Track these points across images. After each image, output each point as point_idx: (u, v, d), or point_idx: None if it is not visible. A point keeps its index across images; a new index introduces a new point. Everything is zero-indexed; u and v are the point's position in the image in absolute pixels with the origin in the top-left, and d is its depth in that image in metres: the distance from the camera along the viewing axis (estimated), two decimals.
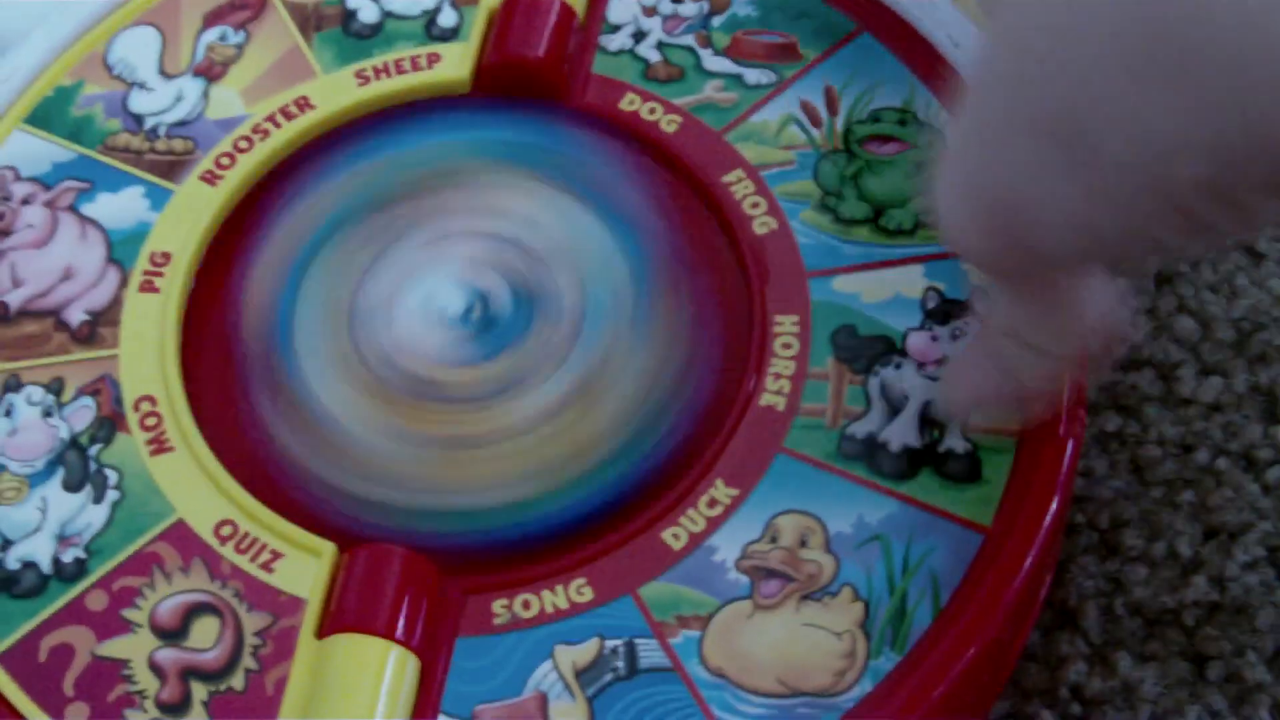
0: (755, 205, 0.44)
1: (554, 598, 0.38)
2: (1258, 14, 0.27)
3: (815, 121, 0.45)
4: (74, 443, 0.41)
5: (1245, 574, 0.44)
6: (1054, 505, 0.38)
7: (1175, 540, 0.45)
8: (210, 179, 0.45)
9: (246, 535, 0.39)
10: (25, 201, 0.45)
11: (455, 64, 0.47)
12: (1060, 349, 0.38)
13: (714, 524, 0.39)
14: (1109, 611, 0.44)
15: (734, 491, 0.39)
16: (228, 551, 0.39)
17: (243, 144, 0.46)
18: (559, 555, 0.39)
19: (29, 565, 0.39)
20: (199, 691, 0.37)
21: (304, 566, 0.39)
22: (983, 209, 0.34)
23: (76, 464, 0.40)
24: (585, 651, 0.37)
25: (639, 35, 0.48)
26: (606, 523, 0.39)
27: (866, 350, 0.41)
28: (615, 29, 0.48)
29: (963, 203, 0.34)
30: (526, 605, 0.38)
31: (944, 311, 0.42)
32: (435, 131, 0.46)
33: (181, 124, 0.46)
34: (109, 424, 0.41)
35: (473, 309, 0.43)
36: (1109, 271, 0.38)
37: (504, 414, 0.41)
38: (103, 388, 0.42)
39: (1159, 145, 0.30)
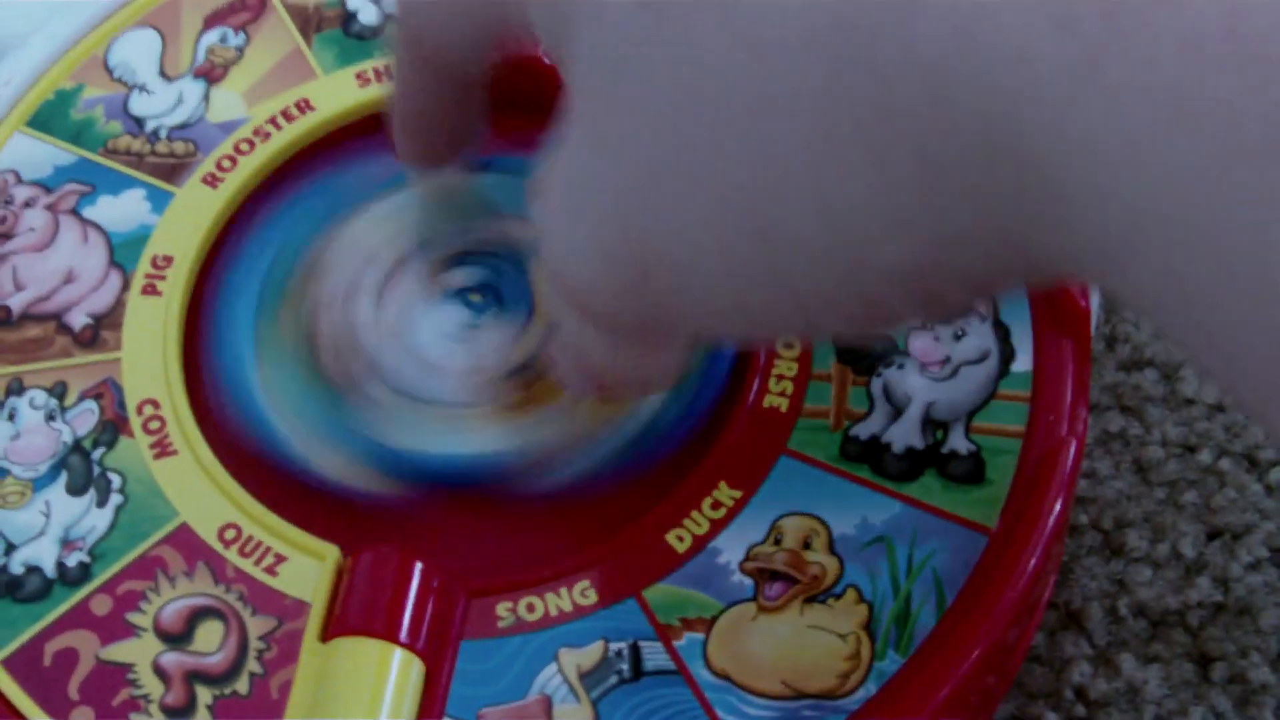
0: None
1: (558, 600, 0.38)
2: (982, 85, 0.23)
3: None
4: (77, 446, 0.41)
5: (1249, 574, 0.44)
6: (1058, 506, 0.38)
7: (1179, 541, 0.45)
8: (211, 181, 0.45)
9: (250, 539, 0.39)
10: (27, 205, 0.45)
11: None
12: (625, 389, 0.38)
13: (718, 526, 0.39)
14: (1113, 613, 0.44)
15: (737, 493, 0.39)
16: (232, 555, 0.39)
17: (244, 146, 0.45)
18: (563, 558, 0.39)
19: (33, 569, 0.39)
20: (204, 695, 0.37)
21: (308, 569, 0.39)
22: (626, 264, 0.30)
23: (80, 468, 0.40)
24: (589, 654, 0.37)
25: None
26: (607, 521, 0.40)
27: (869, 351, 0.41)
28: None
29: (598, 250, 0.31)
30: (531, 608, 0.38)
31: None
32: None
33: (182, 126, 0.46)
34: (112, 428, 0.41)
35: (473, 310, 0.43)
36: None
37: (504, 415, 0.41)
38: (105, 391, 0.42)
39: (858, 228, 0.26)
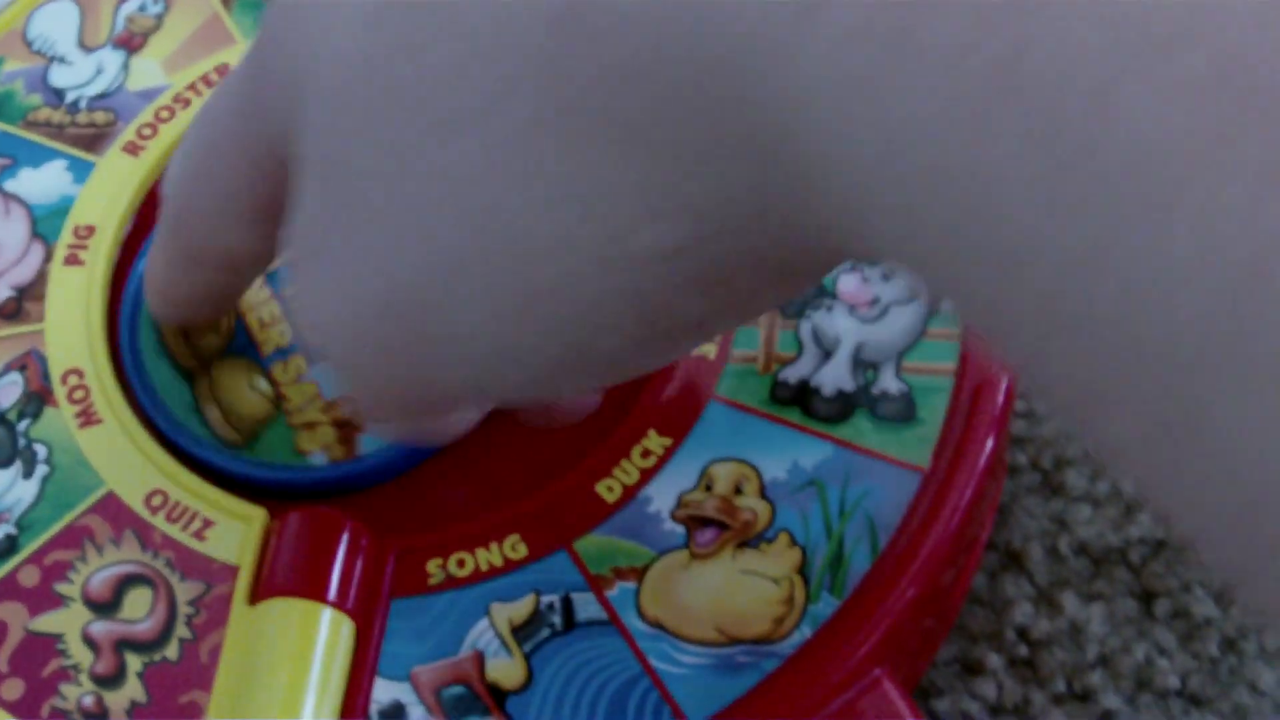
0: None
1: (488, 555, 0.38)
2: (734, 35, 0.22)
3: None
4: (2, 419, 0.40)
5: None
6: (990, 443, 0.38)
7: (1118, 478, 0.45)
8: (133, 150, 0.44)
9: (177, 505, 0.39)
10: None
11: None
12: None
13: (648, 475, 0.39)
14: (1054, 552, 0.44)
15: (667, 441, 0.39)
16: (159, 521, 0.39)
17: (164, 114, 0.45)
18: (491, 512, 0.39)
19: None
20: (134, 663, 0.37)
21: (235, 533, 0.38)
22: (379, 319, 0.28)
23: (5, 439, 0.40)
24: (521, 608, 0.37)
25: None
26: (536, 473, 0.39)
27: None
28: None
29: (347, 316, 0.28)
30: (461, 564, 0.38)
31: None
32: None
33: (102, 96, 0.46)
34: (37, 398, 0.41)
35: None
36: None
37: None
38: (30, 363, 0.41)
39: (609, 216, 0.24)
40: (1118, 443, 0.20)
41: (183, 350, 0.41)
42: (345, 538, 0.37)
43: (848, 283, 0.41)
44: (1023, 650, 0.42)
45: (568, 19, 0.23)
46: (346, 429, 0.40)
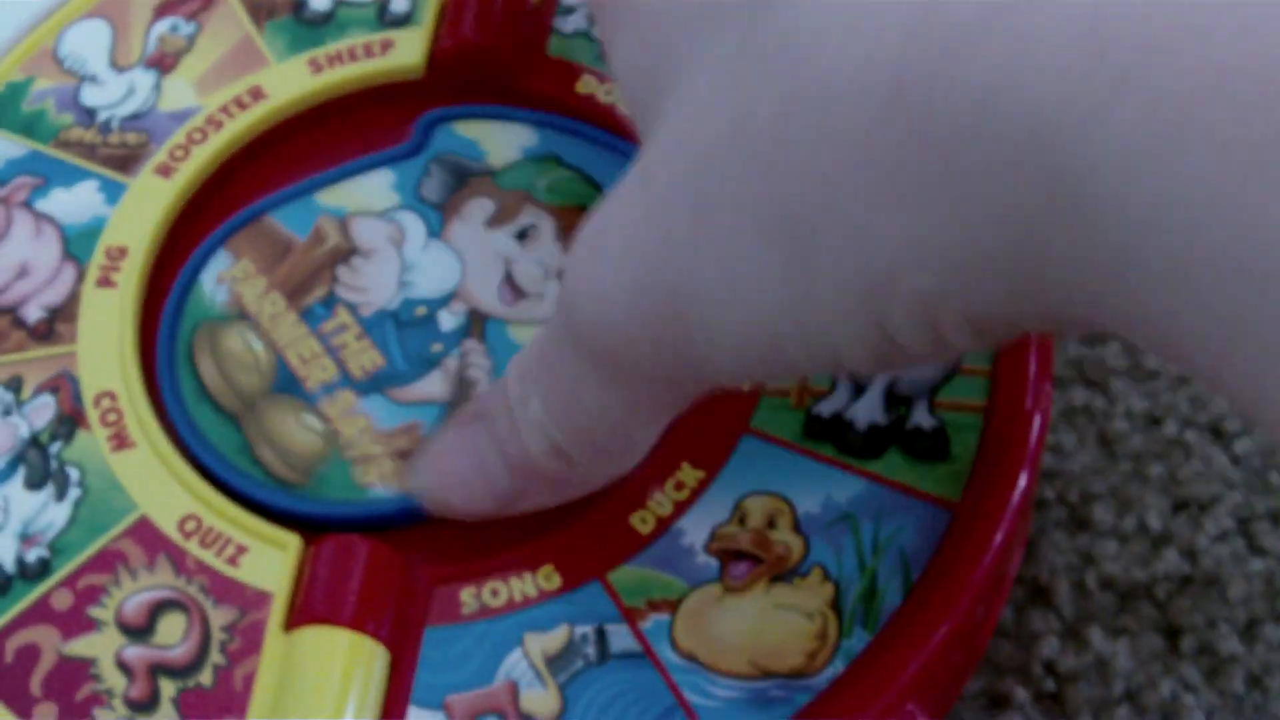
0: None
1: (522, 585, 0.38)
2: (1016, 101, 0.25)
3: None
4: (34, 441, 0.40)
5: (1216, 545, 0.44)
6: (1022, 480, 0.38)
7: (1145, 513, 0.45)
8: (165, 171, 0.44)
9: (211, 530, 0.39)
10: None
11: (409, 50, 0.46)
12: (603, 466, 0.38)
13: (681, 507, 0.39)
14: (1080, 587, 0.44)
15: (700, 474, 0.39)
16: (192, 547, 0.39)
17: (196, 135, 0.45)
18: (526, 542, 0.39)
19: None
20: (167, 688, 0.37)
21: (270, 560, 0.38)
22: (655, 302, 0.31)
23: (37, 462, 0.40)
24: (555, 638, 0.37)
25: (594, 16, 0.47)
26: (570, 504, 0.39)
27: None
28: (569, 11, 0.47)
29: (630, 286, 0.32)
30: (495, 593, 0.38)
31: None
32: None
33: (134, 117, 0.46)
34: (69, 421, 0.41)
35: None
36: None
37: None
38: (62, 384, 0.41)
39: (886, 259, 0.28)
40: None
41: (225, 391, 0.41)
42: (380, 566, 0.37)
43: None
44: (1049, 685, 0.42)
45: (905, 86, 0.26)
46: (406, 459, 0.40)
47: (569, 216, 0.44)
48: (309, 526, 0.39)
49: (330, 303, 0.42)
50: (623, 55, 0.35)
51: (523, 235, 0.43)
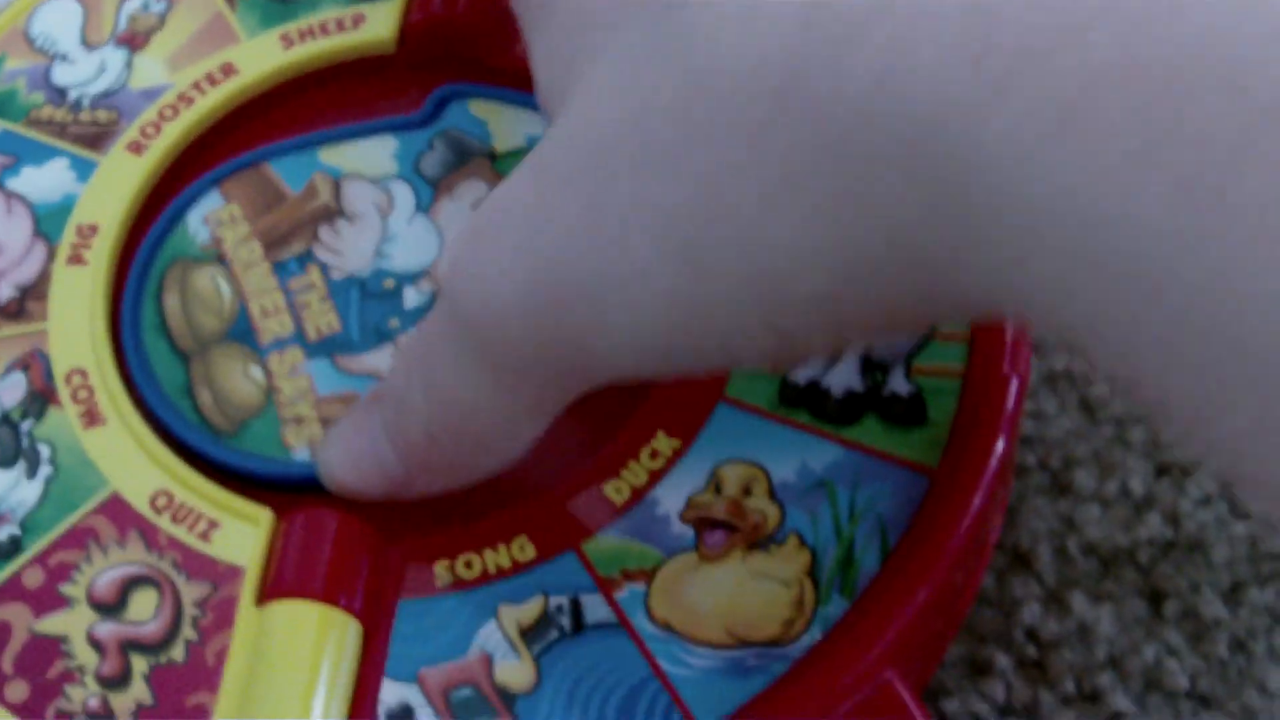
0: None
1: (496, 557, 0.38)
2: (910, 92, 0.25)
3: None
4: (5, 418, 0.40)
5: (1199, 510, 0.44)
6: (1000, 445, 0.38)
7: (1128, 478, 0.45)
8: (136, 149, 0.44)
9: (182, 506, 0.38)
10: None
11: (380, 24, 0.46)
12: (482, 458, 0.37)
13: (656, 476, 0.39)
14: (1063, 552, 0.43)
15: (675, 442, 0.39)
16: (164, 522, 0.38)
17: (168, 112, 0.45)
18: (500, 513, 0.38)
19: None
20: (139, 664, 0.36)
21: (241, 535, 0.38)
22: (544, 298, 0.31)
23: (8, 440, 0.40)
24: (530, 610, 0.37)
25: None
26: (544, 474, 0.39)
27: None
28: None
29: (517, 275, 0.31)
30: (468, 565, 0.38)
31: None
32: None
33: (105, 95, 0.45)
34: (40, 398, 0.40)
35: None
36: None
37: None
38: (33, 362, 0.41)
39: (778, 258, 0.28)
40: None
41: (183, 329, 0.41)
42: (352, 539, 0.37)
43: None
44: (1032, 651, 0.42)
45: (792, 85, 0.26)
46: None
47: None
48: (223, 476, 0.39)
49: (305, 260, 0.42)
50: (540, 52, 0.35)
51: None
